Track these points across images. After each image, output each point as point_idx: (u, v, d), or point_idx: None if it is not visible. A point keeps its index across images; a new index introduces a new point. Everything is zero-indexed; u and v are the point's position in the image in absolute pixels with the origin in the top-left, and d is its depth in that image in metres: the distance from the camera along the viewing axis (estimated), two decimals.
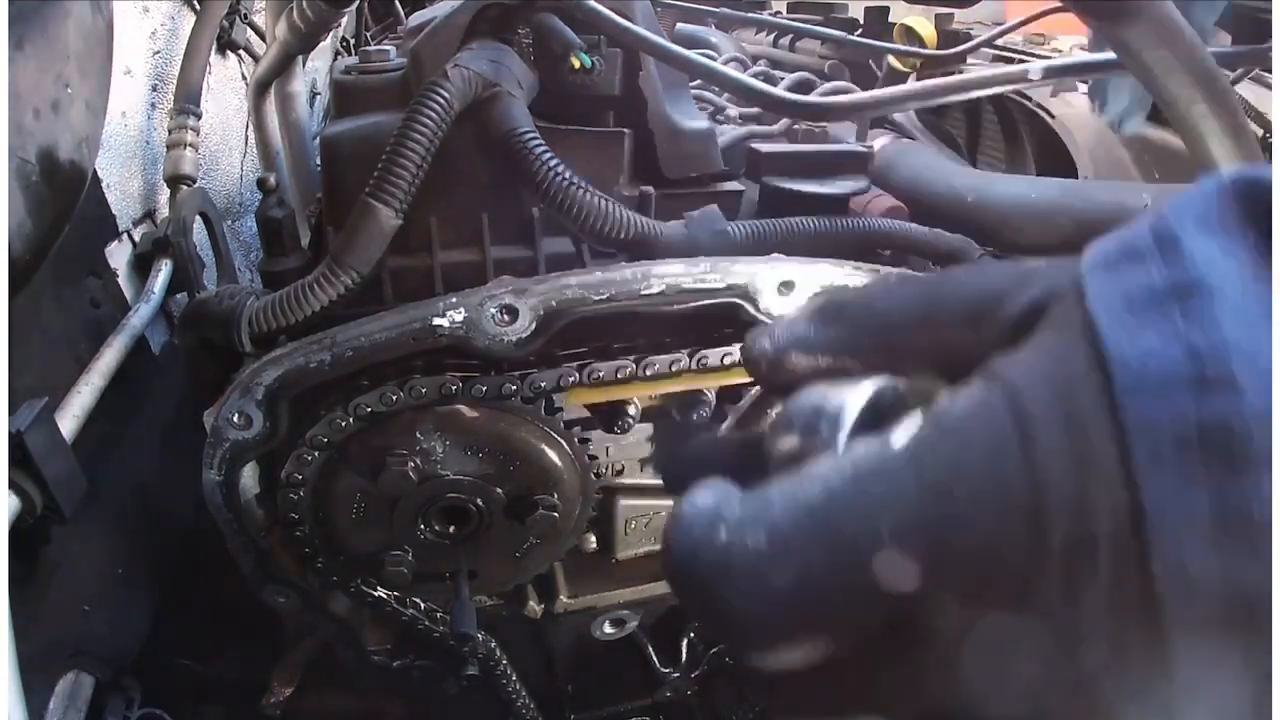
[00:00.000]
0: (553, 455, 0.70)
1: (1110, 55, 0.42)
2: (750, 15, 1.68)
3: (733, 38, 1.69)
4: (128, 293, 0.94)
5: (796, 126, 0.92)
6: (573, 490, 0.72)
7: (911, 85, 0.47)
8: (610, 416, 0.73)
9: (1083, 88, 1.15)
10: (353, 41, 1.97)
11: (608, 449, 0.78)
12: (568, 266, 0.66)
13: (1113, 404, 0.19)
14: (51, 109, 0.62)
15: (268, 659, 0.90)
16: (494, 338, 0.61)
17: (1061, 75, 0.43)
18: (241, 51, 1.35)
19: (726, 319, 0.69)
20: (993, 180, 0.93)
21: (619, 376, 0.67)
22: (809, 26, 1.49)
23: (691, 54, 0.57)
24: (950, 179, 0.95)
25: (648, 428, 0.80)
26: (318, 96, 1.69)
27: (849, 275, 0.68)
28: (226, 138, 1.31)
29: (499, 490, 0.69)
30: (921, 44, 1.32)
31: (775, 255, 0.68)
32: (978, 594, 0.20)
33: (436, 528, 0.71)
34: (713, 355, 0.69)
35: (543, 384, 0.65)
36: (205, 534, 0.71)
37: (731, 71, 0.56)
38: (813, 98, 0.53)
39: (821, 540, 0.21)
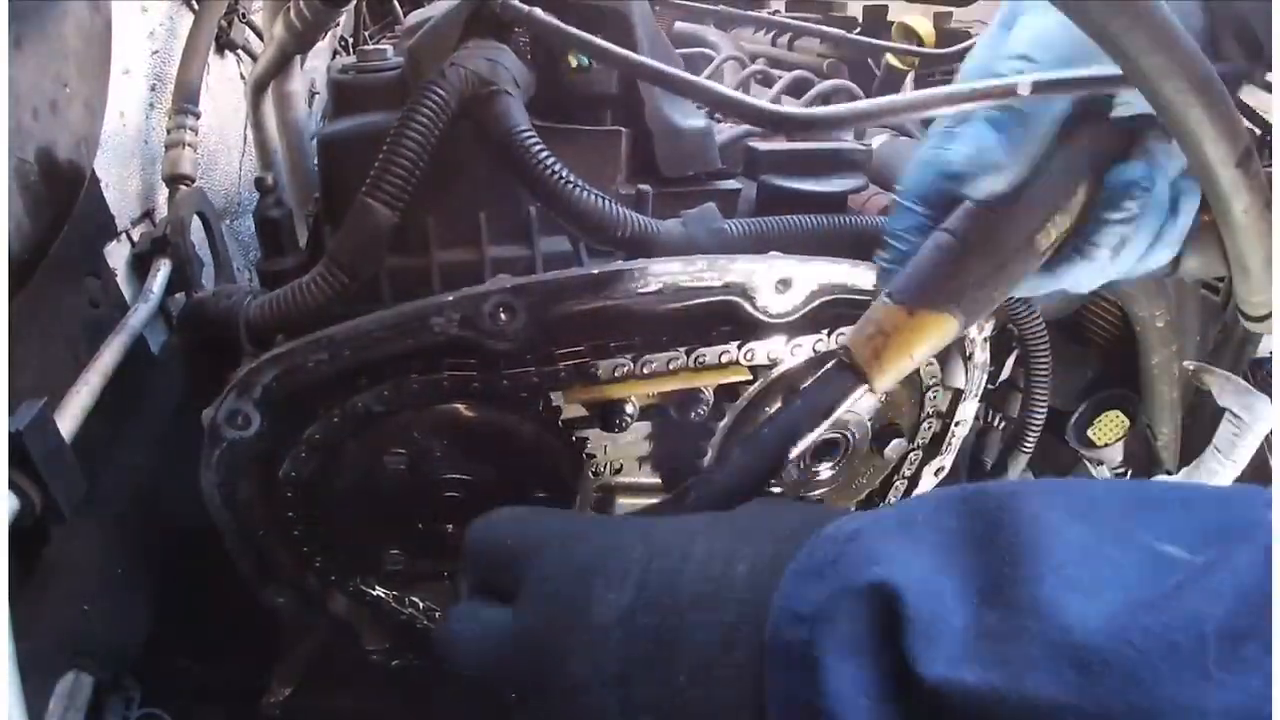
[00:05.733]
0: (550, 454, 0.70)
1: (1105, 70, 0.42)
2: (749, 14, 1.68)
3: (731, 36, 1.69)
4: (127, 293, 0.94)
5: None
6: (570, 489, 0.72)
7: (897, 97, 0.49)
8: (608, 415, 0.73)
9: None
10: (351, 41, 1.97)
11: (605, 448, 0.79)
12: (565, 265, 0.66)
13: None
14: (50, 109, 0.63)
15: (268, 659, 0.90)
16: (491, 336, 0.61)
17: (1052, 90, 0.44)
18: (240, 51, 1.35)
19: (723, 317, 0.69)
20: None
21: (616, 375, 0.67)
22: (807, 25, 1.49)
23: (673, 70, 0.57)
24: None
25: (645, 426, 0.80)
26: (316, 96, 1.69)
27: (846, 274, 0.69)
28: (225, 137, 1.31)
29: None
30: (920, 42, 1.32)
31: (773, 253, 0.68)
32: None
33: (435, 526, 0.71)
34: (710, 353, 0.69)
35: (537, 380, 0.66)
36: (205, 534, 0.71)
37: (715, 87, 0.57)
38: (794, 110, 0.54)
39: None
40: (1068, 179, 0.47)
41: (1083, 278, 0.49)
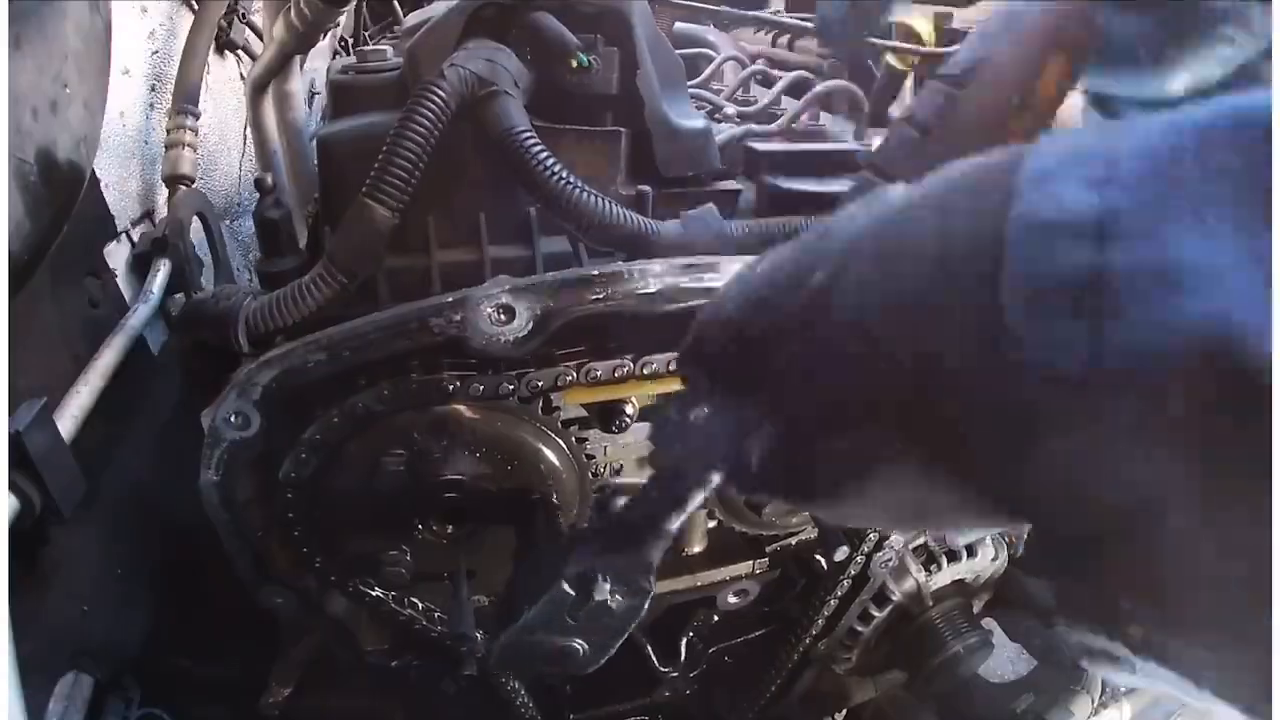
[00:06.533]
0: (550, 455, 0.70)
1: None
2: (749, 14, 1.68)
3: (731, 37, 1.69)
4: (126, 293, 0.94)
5: (795, 125, 0.92)
6: (570, 489, 0.72)
7: None
8: (608, 416, 0.73)
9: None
10: (351, 41, 1.97)
11: (605, 448, 0.79)
12: (565, 266, 0.66)
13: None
14: (50, 109, 0.62)
15: (268, 659, 0.90)
16: (491, 337, 0.61)
17: None
18: (240, 51, 1.34)
19: None
20: None
21: (616, 376, 0.67)
22: (808, 25, 1.49)
23: None
24: None
25: (645, 427, 0.80)
26: (316, 96, 1.69)
27: None
28: (225, 137, 1.31)
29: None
30: (920, 42, 1.32)
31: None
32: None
33: (434, 528, 0.71)
34: None
35: (540, 383, 0.66)
36: (205, 534, 0.71)
37: None
38: None
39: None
40: (1031, 53, 0.43)
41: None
